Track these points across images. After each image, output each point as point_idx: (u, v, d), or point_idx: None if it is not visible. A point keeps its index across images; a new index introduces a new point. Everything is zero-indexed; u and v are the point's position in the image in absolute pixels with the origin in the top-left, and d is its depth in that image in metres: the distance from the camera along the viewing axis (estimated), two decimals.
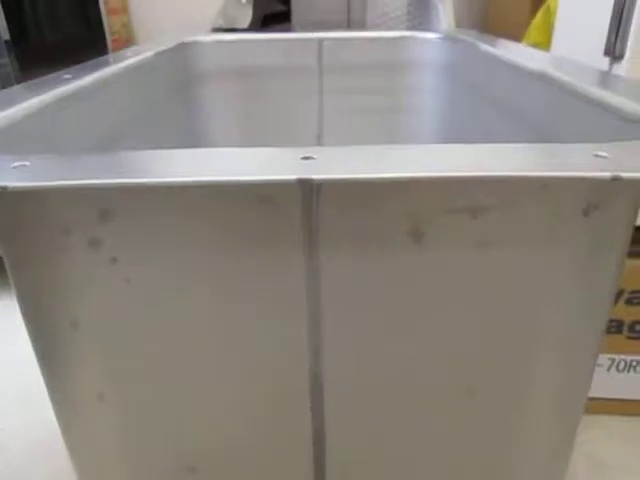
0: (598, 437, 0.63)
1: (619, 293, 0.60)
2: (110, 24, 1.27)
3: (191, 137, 0.75)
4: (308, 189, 0.27)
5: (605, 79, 0.43)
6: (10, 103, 0.39)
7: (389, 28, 1.11)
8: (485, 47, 0.59)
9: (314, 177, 0.24)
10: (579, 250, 0.30)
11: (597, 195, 0.29)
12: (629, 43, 0.54)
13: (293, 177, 0.24)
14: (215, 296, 0.32)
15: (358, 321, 0.31)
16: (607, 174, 0.24)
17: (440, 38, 0.74)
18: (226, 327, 0.32)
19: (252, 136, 0.81)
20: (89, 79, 0.49)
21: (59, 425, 0.40)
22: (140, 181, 0.25)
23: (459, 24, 1.01)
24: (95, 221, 0.30)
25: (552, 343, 0.32)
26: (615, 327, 0.62)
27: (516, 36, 0.90)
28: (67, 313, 0.34)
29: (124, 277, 0.32)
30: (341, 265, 0.30)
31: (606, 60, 0.61)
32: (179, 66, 0.74)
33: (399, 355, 0.32)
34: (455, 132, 0.68)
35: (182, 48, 0.75)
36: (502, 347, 0.32)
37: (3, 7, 0.89)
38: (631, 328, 0.62)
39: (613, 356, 0.63)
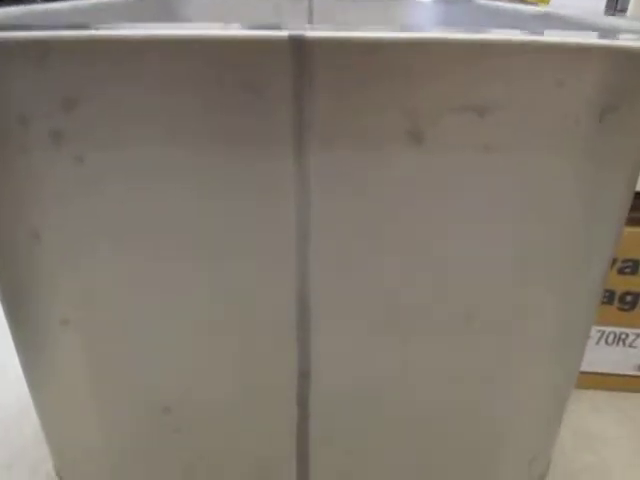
0: (585, 412, 0.61)
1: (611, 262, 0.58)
2: None
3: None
4: (299, 56, 0.24)
5: (611, 16, 0.41)
6: None
7: None
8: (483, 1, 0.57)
9: (307, 35, 0.21)
10: (590, 161, 0.28)
11: (614, 97, 0.26)
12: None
13: (284, 34, 0.21)
14: (193, 202, 0.29)
15: (349, 233, 0.29)
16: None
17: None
18: (205, 239, 0.30)
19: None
20: None
21: (19, 358, 0.36)
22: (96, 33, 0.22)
23: None
24: (56, 107, 0.27)
25: (555, 267, 0.30)
26: (606, 297, 0.60)
27: None
28: (26, 224, 0.30)
29: (90, 179, 0.29)
30: (333, 167, 0.27)
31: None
32: None
33: (392, 272, 0.29)
34: None
35: None
36: (502, 267, 0.29)
37: None
38: (622, 299, 0.60)
39: (602, 328, 0.61)
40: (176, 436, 0.35)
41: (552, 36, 0.24)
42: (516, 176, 0.28)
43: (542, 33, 0.24)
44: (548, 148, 0.27)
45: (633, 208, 0.33)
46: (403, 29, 0.24)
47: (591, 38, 0.24)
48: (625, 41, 0.23)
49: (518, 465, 0.36)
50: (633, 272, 0.59)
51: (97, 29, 0.23)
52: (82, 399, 0.35)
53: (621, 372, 0.62)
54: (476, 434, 0.34)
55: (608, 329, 0.61)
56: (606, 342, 0.61)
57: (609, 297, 0.60)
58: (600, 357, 0.62)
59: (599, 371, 0.62)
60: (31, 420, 0.44)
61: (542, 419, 0.36)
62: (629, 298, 0.60)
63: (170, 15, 0.69)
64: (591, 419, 0.59)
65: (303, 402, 0.32)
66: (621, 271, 0.59)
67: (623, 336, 0.61)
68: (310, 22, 0.75)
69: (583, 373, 0.60)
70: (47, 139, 0.28)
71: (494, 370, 0.32)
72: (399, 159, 0.27)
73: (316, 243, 0.29)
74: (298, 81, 0.25)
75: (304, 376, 0.32)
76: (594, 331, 0.61)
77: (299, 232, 0.29)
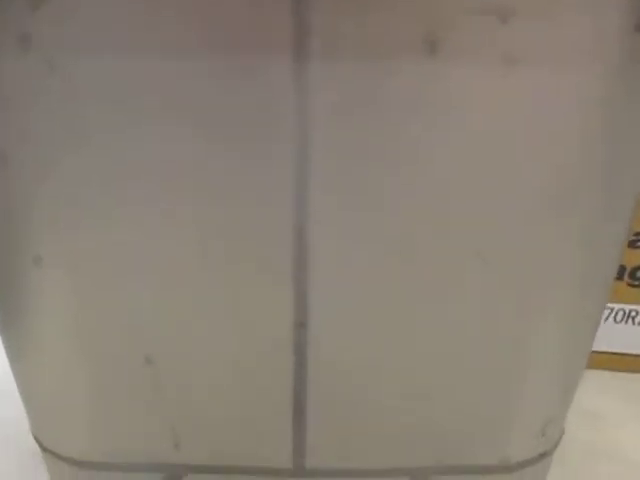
0: (591, 393, 0.58)
1: None
2: None
3: None
4: None
5: None
6: None
7: None
8: None
9: None
10: (622, 83, 0.25)
11: None
12: None
13: None
14: (182, 123, 0.26)
15: (351, 152, 0.26)
16: None
17: None
18: (196, 166, 0.27)
19: None
20: None
21: None
22: None
23: None
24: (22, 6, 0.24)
25: (572, 204, 0.27)
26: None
27: None
28: None
29: (64, 90, 0.26)
30: (336, 78, 0.25)
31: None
32: None
33: (397, 198, 0.27)
34: None
35: None
36: (517, 195, 0.26)
37: None
38: (632, 275, 0.57)
39: (612, 305, 0.58)
40: (160, 392, 0.32)
41: None
42: (538, 94, 0.25)
43: None
44: (576, 63, 0.24)
45: None
46: None
47: None
48: None
49: (532, 429, 0.33)
50: None
51: None
52: (55, 346, 0.32)
53: (630, 352, 0.60)
54: (488, 393, 0.32)
55: (617, 306, 0.58)
56: (615, 320, 0.59)
57: (619, 272, 0.57)
58: (608, 336, 0.59)
59: (606, 350, 0.59)
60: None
61: (558, 380, 0.33)
62: None
63: None
64: (597, 400, 0.57)
65: (300, 351, 0.30)
66: (633, 244, 0.56)
67: (633, 314, 0.58)
68: None
69: None
70: (15, 43, 0.25)
71: (509, 321, 0.30)
72: (410, 69, 0.24)
73: (316, 166, 0.26)
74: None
75: (301, 324, 0.29)
76: None
77: (298, 154, 0.26)
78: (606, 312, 0.59)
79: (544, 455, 0.35)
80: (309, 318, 0.29)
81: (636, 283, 0.57)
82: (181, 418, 0.32)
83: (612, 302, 0.58)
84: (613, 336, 0.59)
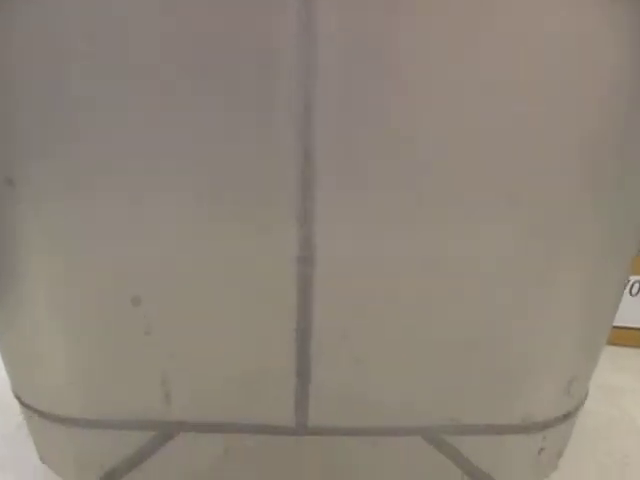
0: (607, 369, 0.55)
1: None
2: None
3: None
4: None
5: None
6: None
7: None
8: None
9: None
10: None
11: None
12: None
13: None
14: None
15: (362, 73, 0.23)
16: None
17: None
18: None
19: None
20: None
21: None
22: None
23: None
24: None
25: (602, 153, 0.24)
26: None
27: None
28: None
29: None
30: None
31: None
32: None
33: (411, 115, 0.24)
34: None
35: None
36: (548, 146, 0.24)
37: None
38: None
39: (628, 277, 0.55)
40: (148, 338, 0.29)
41: None
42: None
43: None
44: None
45: None
46: None
47: None
48: None
49: (557, 384, 0.30)
50: None
51: None
52: (34, 283, 0.29)
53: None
54: (511, 342, 0.29)
55: (634, 278, 0.55)
56: (630, 293, 0.56)
57: None
58: (624, 309, 0.56)
59: (622, 325, 0.57)
60: None
61: (585, 334, 0.30)
62: None
63: None
64: (614, 376, 0.54)
65: (305, 289, 0.27)
66: None
67: None
68: None
69: None
70: None
71: (536, 268, 0.27)
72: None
73: (325, 87, 0.23)
74: None
75: (305, 259, 0.27)
76: None
77: (302, 62, 0.23)
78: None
79: (568, 416, 0.32)
80: (314, 250, 0.26)
81: None
82: (171, 368, 0.29)
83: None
84: (629, 310, 0.56)
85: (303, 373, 0.29)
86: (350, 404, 0.30)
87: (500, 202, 0.26)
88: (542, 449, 0.32)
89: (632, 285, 0.56)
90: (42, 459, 0.36)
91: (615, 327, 0.56)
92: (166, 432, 0.32)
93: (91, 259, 0.27)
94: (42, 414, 0.33)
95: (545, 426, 0.31)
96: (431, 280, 0.27)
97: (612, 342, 0.57)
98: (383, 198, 0.26)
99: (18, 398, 0.35)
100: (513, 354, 0.29)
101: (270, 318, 0.28)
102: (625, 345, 0.57)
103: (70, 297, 0.29)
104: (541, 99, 0.24)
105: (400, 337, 0.28)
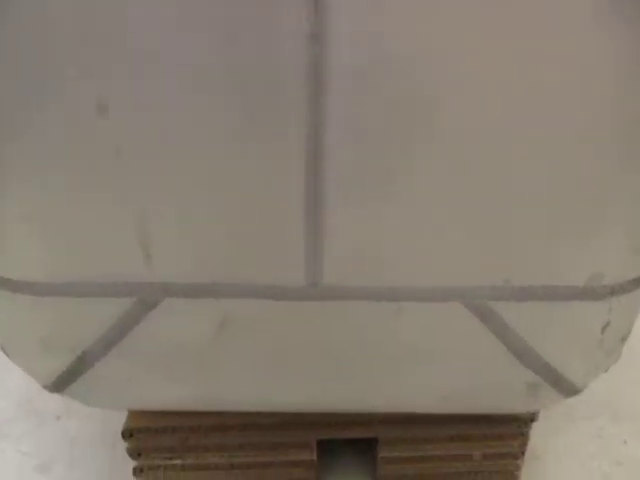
0: None
1: None
2: None
3: None
4: None
5: None
6: None
7: None
8: None
9: None
10: None
11: None
12: None
13: None
14: None
15: None
16: None
17: None
18: None
19: None
20: None
21: None
22: None
23: None
24: None
25: None
26: None
27: None
28: None
29: None
30: None
31: None
32: None
33: None
34: None
35: None
36: None
37: None
38: None
39: None
40: (118, 160, 0.22)
41: None
42: None
43: None
44: None
45: None
46: None
47: None
48: None
49: (627, 243, 0.24)
50: None
51: None
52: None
53: None
54: (583, 192, 0.23)
55: None
56: None
57: None
58: None
59: None
60: None
61: None
62: None
63: None
64: None
65: (316, 75, 0.20)
66: None
67: None
68: None
69: None
70: None
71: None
72: None
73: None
74: None
75: (315, 35, 0.20)
76: None
77: None
78: None
79: (638, 281, 0.26)
80: (326, 26, 0.20)
81: None
82: (151, 208, 0.23)
83: None
84: None
85: (314, 210, 0.23)
86: (370, 257, 0.24)
87: None
88: (607, 324, 0.26)
89: None
90: (2, 346, 0.30)
91: None
92: (147, 299, 0.26)
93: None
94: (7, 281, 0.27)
95: (613, 291, 0.25)
96: None
97: None
98: None
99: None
100: (582, 202, 0.23)
101: (276, 137, 0.22)
102: None
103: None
104: None
105: (438, 167, 0.22)
